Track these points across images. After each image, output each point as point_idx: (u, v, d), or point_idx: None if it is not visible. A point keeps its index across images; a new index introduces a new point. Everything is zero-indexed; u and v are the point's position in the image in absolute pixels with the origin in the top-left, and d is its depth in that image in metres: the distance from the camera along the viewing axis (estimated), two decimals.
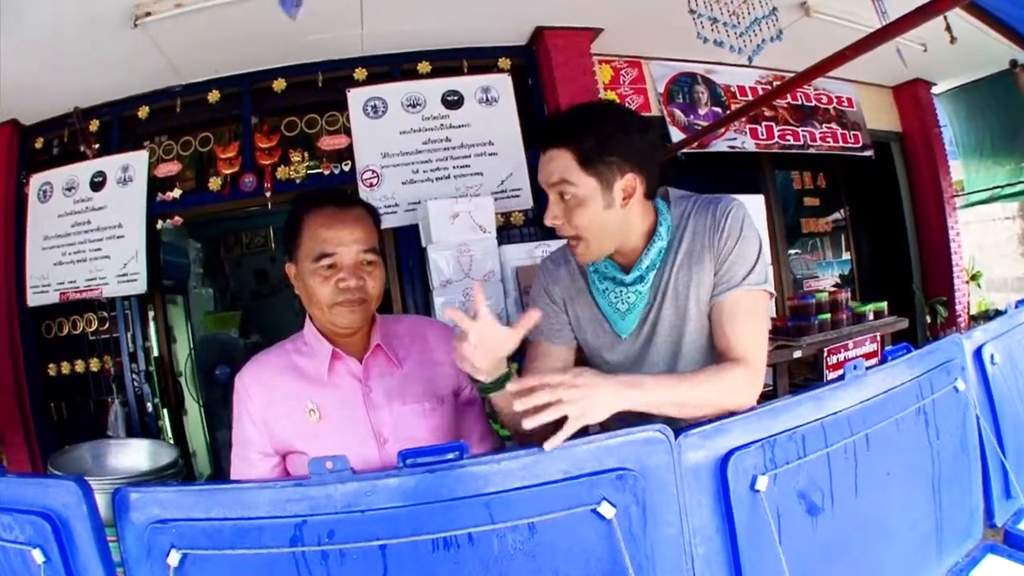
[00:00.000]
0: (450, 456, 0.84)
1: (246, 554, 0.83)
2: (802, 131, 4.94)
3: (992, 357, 1.30)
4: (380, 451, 1.21)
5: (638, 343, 1.33)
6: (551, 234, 3.71)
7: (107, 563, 0.88)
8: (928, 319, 5.37)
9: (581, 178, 1.20)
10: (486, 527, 0.82)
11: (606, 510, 0.83)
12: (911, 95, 5.55)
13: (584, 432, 0.92)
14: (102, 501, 0.88)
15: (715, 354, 1.26)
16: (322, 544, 0.82)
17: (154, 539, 0.84)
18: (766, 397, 1.18)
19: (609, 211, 1.22)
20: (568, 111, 1.25)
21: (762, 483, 0.90)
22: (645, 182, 1.24)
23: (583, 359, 1.45)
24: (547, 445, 0.87)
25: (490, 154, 3.80)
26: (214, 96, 3.76)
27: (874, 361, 1.10)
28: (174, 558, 0.83)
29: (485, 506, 0.83)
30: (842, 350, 3.50)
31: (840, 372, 1.05)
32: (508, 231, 3.77)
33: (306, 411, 1.21)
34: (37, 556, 0.84)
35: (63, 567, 0.85)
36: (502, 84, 3.91)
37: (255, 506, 0.85)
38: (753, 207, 4.04)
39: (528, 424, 0.93)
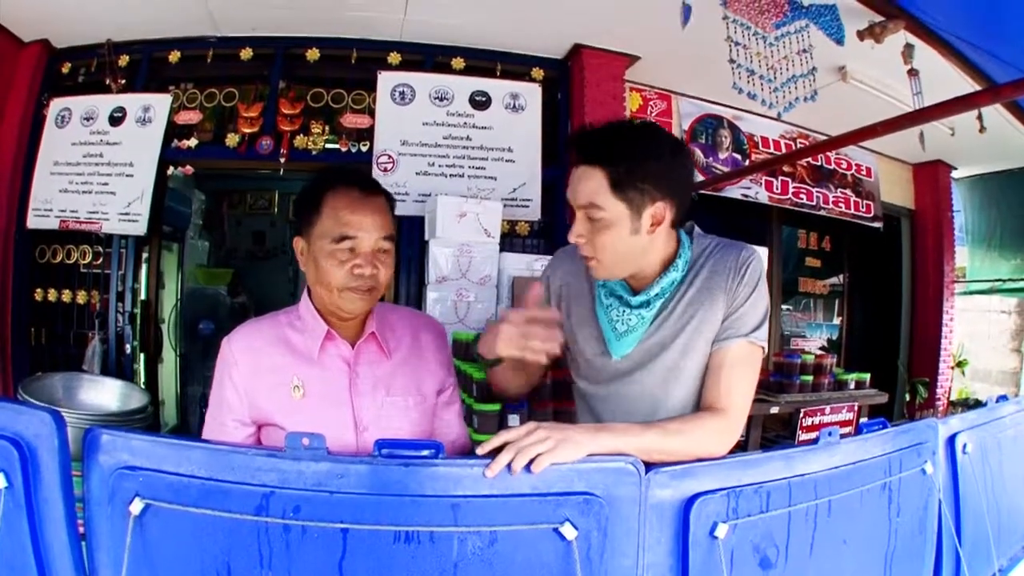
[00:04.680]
0: (425, 453, 0.85)
1: (209, 514, 0.83)
2: (816, 191, 5.00)
3: (964, 446, 1.32)
4: (358, 437, 1.21)
5: (627, 366, 1.30)
6: (554, 249, 3.75)
7: (69, 499, 0.87)
8: (908, 397, 5.43)
9: (611, 203, 1.15)
10: (449, 528, 0.83)
11: (568, 531, 0.84)
12: (930, 175, 5.64)
13: None
14: (69, 435, 0.87)
15: (700, 397, 1.25)
16: (286, 518, 0.82)
17: (119, 484, 0.84)
18: (736, 447, 1.18)
19: (634, 237, 1.18)
20: (603, 128, 1.20)
21: (722, 531, 0.92)
22: (675, 210, 1.19)
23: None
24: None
25: (507, 160, 3.82)
26: (246, 54, 3.78)
27: (848, 430, 1.12)
28: (137, 506, 0.83)
29: (451, 508, 0.83)
30: (818, 413, 3.53)
31: (813, 435, 1.06)
32: (512, 239, 3.79)
33: (291, 386, 1.21)
34: None
35: (24, 495, 0.84)
36: (531, 93, 3.94)
37: (225, 469, 0.84)
38: None
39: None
